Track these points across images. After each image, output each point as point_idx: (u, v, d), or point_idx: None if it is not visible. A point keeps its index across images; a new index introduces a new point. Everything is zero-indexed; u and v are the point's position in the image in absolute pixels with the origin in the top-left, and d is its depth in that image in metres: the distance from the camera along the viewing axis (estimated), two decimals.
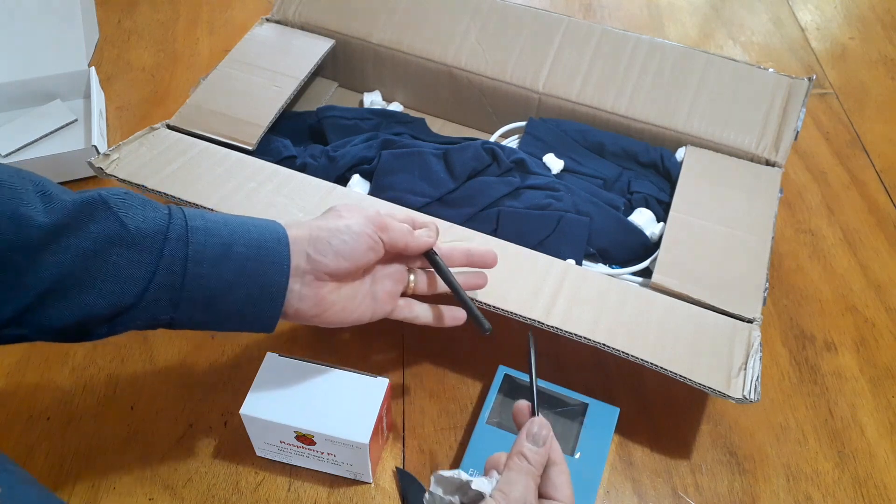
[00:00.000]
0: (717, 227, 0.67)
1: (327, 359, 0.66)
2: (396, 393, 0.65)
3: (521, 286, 0.60)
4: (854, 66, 1.01)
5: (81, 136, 0.85)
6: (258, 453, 0.60)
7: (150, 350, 0.67)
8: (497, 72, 0.81)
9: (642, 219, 0.71)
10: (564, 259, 0.64)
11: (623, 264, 0.70)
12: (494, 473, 0.44)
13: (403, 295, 0.58)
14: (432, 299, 0.59)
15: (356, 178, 0.73)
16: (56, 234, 0.42)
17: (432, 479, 0.45)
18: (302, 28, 0.85)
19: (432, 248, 0.56)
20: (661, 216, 0.72)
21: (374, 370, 0.65)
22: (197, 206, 0.64)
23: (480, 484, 0.43)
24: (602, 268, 0.70)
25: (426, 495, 0.45)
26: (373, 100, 0.87)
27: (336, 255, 0.50)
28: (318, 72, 0.89)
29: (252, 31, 0.84)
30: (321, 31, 0.85)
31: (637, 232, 0.70)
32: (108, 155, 0.67)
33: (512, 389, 0.61)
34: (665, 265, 0.64)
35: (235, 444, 0.61)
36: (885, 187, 0.84)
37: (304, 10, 0.85)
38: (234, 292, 0.47)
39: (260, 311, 0.48)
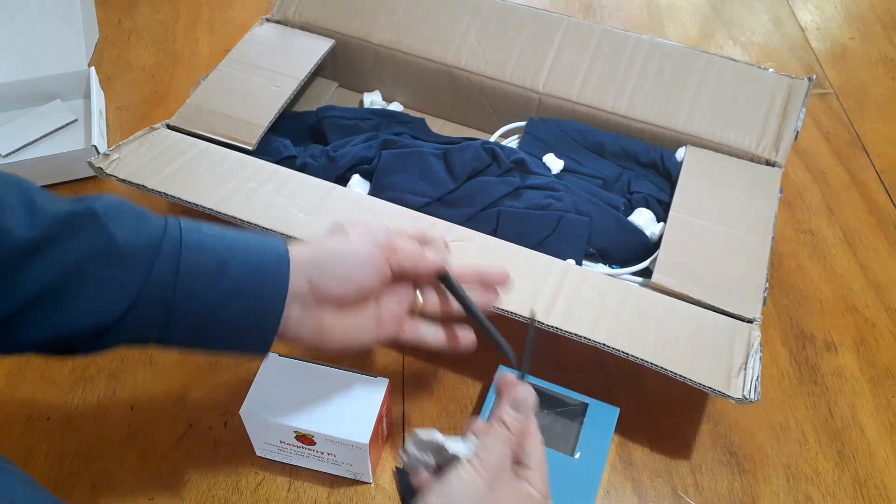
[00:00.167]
0: (717, 227, 0.67)
1: (327, 359, 0.66)
2: (396, 393, 0.65)
3: (521, 286, 0.60)
4: (854, 66, 1.01)
5: (81, 136, 0.85)
6: (258, 453, 0.60)
7: (150, 350, 0.67)
8: (497, 72, 0.81)
9: (642, 219, 0.71)
10: (564, 259, 0.64)
11: (623, 264, 0.70)
12: (472, 437, 0.44)
13: (410, 313, 0.54)
14: (441, 317, 0.56)
15: (356, 178, 0.73)
16: (36, 249, 0.39)
17: (409, 438, 0.44)
18: (302, 28, 0.85)
19: (445, 269, 0.52)
20: (661, 216, 0.72)
21: (374, 370, 0.65)
22: (197, 206, 0.64)
23: (457, 447, 0.43)
24: (602, 268, 0.70)
25: (401, 452, 0.44)
26: (373, 100, 0.87)
27: (339, 281, 0.47)
28: (318, 72, 0.89)
29: (252, 31, 0.84)
30: (321, 31, 0.85)
31: (637, 232, 0.70)
32: (108, 155, 0.67)
33: None
34: (665, 265, 0.64)
35: (235, 444, 0.61)
36: (885, 187, 0.84)
37: (304, 10, 0.85)
38: (226, 312, 0.44)
39: (253, 333, 0.46)
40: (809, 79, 0.76)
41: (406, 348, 0.68)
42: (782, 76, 0.76)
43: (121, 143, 0.69)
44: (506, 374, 0.48)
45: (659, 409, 0.64)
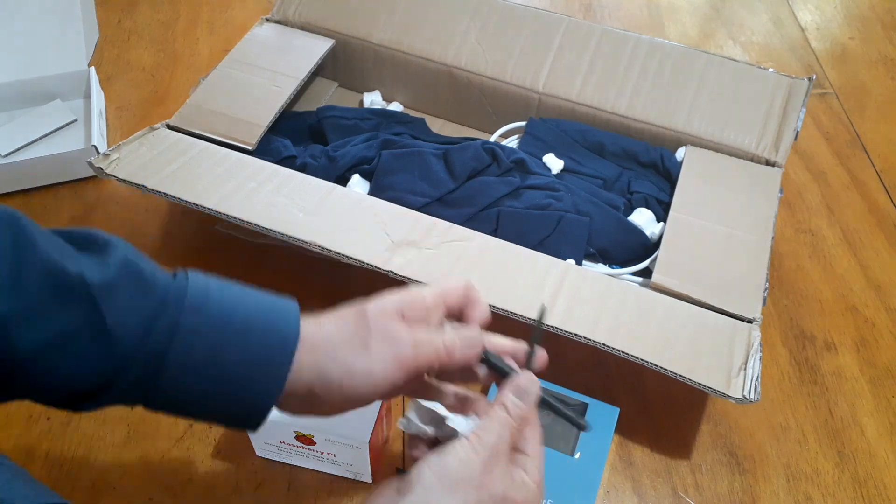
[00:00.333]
0: (717, 227, 0.67)
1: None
2: None
3: (521, 286, 0.60)
4: (854, 66, 1.01)
5: (81, 136, 0.85)
6: (258, 453, 0.60)
7: None
8: (497, 72, 0.81)
9: (642, 219, 0.71)
10: (564, 259, 0.64)
11: (623, 264, 0.70)
12: (474, 416, 0.44)
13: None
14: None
15: (356, 178, 0.73)
16: (13, 322, 0.36)
17: (410, 405, 0.43)
18: (302, 28, 0.85)
19: (484, 352, 0.46)
20: (661, 216, 0.72)
21: None
22: (197, 206, 0.64)
23: (457, 422, 0.42)
24: (602, 268, 0.70)
25: (401, 419, 0.44)
26: (373, 100, 0.87)
27: (344, 400, 0.43)
28: (318, 72, 0.89)
29: (252, 31, 0.84)
30: (321, 31, 0.85)
31: (637, 232, 0.70)
32: (107, 155, 0.67)
33: None
34: (665, 265, 0.64)
35: (235, 444, 0.61)
36: (885, 187, 0.84)
37: (304, 10, 0.85)
38: (212, 402, 0.41)
39: (238, 421, 0.43)
40: (809, 79, 0.76)
41: None
42: (782, 76, 0.76)
43: (121, 143, 0.69)
44: (510, 362, 0.47)
45: (659, 409, 0.64)
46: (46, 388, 0.39)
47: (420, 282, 0.60)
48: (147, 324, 0.39)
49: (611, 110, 0.78)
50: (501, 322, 0.59)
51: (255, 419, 0.41)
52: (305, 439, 0.55)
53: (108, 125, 0.88)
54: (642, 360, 0.56)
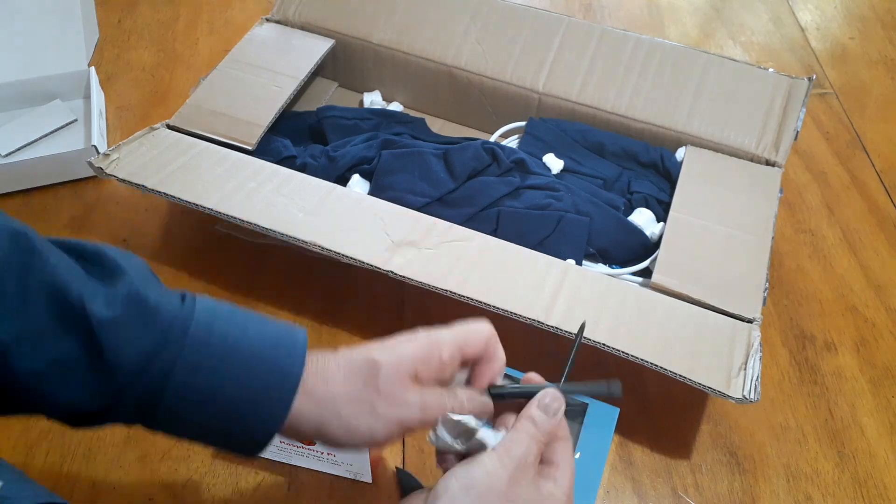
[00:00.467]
0: (717, 227, 0.67)
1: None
2: None
3: (521, 286, 0.60)
4: (854, 66, 1.01)
5: (81, 136, 0.85)
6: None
7: None
8: (497, 72, 0.81)
9: (642, 219, 0.71)
10: (564, 259, 0.64)
11: (623, 264, 0.70)
12: (503, 430, 0.44)
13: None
14: None
15: (356, 178, 0.73)
16: (13, 347, 0.36)
17: (440, 419, 0.43)
18: (302, 28, 0.85)
19: (494, 389, 0.46)
20: (661, 216, 0.72)
21: None
22: (197, 206, 0.64)
23: (486, 435, 0.43)
24: (602, 268, 0.70)
25: (430, 434, 0.44)
26: (373, 100, 0.87)
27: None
28: (318, 72, 0.89)
29: (252, 31, 0.84)
30: (321, 31, 0.85)
31: (637, 232, 0.70)
32: (108, 155, 0.67)
33: None
34: (665, 265, 0.64)
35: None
36: (885, 187, 0.84)
37: (304, 10, 0.85)
38: (208, 433, 0.42)
39: (234, 452, 0.43)
40: (809, 79, 0.76)
41: None
42: (782, 76, 0.76)
43: (121, 143, 0.69)
44: (531, 377, 0.47)
45: (659, 409, 0.64)
46: (45, 408, 0.39)
47: (420, 282, 0.60)
48: (147, 358, 0.38)
49: (611, 110, 0.78)
50: (501, 322, 0.60)
51: (251, 452, 0.42)
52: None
53: (108, 125, 0.88)
54: (642, 360, 0.56)
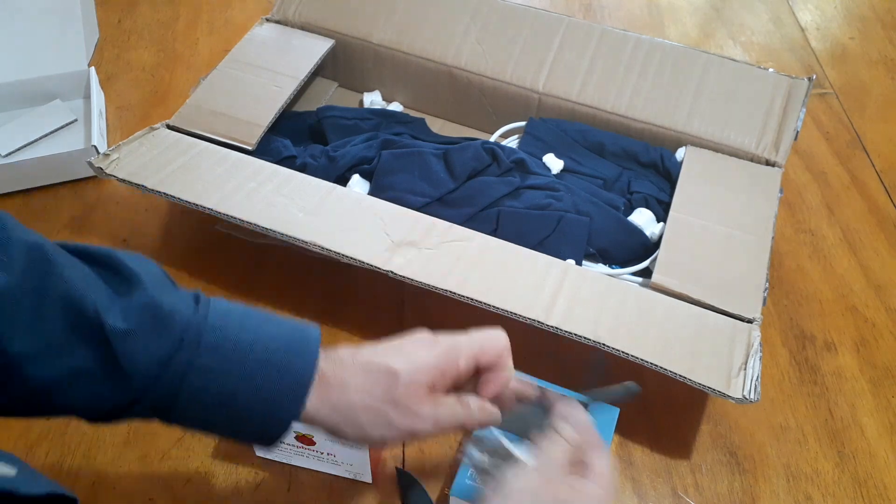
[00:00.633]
0: (717, 227, 0.67)
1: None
2: None
3: (521, 286, 0.60)
4: (854, 66, 1.01)
5: (81, 136, 0.85)
6: (258, 453, 0.60)
7: None
8: (497, 72, 0.81)
9: (642, 219, 0.71)
10: (564, 259, 0.64)
11: (623, 264, 0.70)
12: (531, 444, 0.44)
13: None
14: None
15: (356, 178, 0.73)
16: (19, 365, 0.37)
17: (472, 439, 0.45)
18: (302, 28, 0.85)
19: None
20: (661, 216, 0.72)
21: None
22: (197, 206, 0.64)
23: (520, 451, 0.43)
24: (602, 268, 0.70)
25: (464, 457, 0.45)
26: (373, 100, 0.87)
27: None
28: (318, 72, 0.89)
29: (252, 31, 0.84)
30: (321, 31, 0.85)
31: (637, 232, 0.70)
32: (108, 155, 0.67)
33: None
34: (665, 265, 0.64)
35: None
36: (885, 187, 0.84)
37: (304, 10, 0.85)
38: (223, 429, 0.43)
39: (250, 443, 0.45)
40: (809, 79, 0.76)
41: None
42: (782, 76, 0.76)
43: (121, 143, 0.69)
44: (549, 392, 0.48)
45: (659, 409, 0.64)
46: (61, 412, 0.40)
47: (420, 282, 0.60)
48: (162, 365, 0.39)
49: (611, 110, 0.78)
50: (501, 322, 0.60)
51: (266, 445, 0.43)
52: (305, 439, 0.55)
53: (108, 125, 0.88)
54: (642, 360, 0.56)
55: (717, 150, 0.74)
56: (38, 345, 0.37)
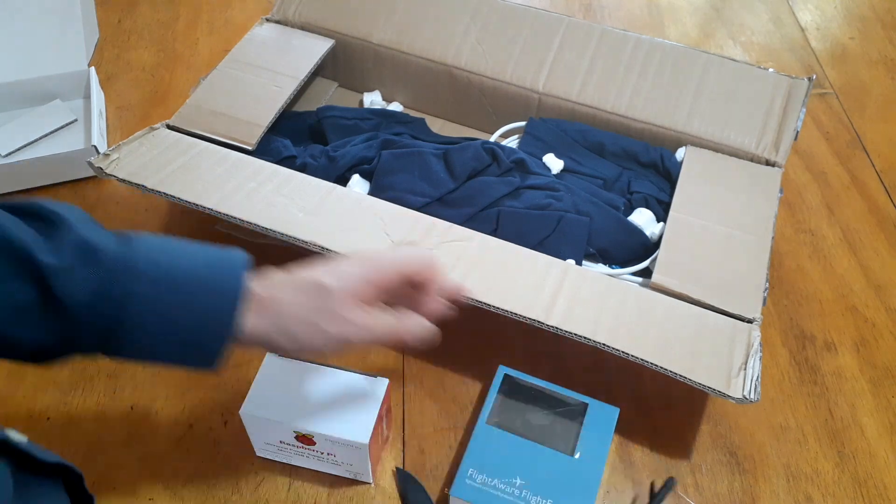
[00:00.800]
0: (717, 227, 0.67)
1: (327, 359, 0.66)
2: (396, 393, 0.65)
3: (521, 286, 0.60)
4: (854, 66, 1.01)
5: (81, 136, 0.85)
6: (258, 453, 0.60)
7: None
8: (497, 72, 0.81)
9: (642, 219, 0.71)
10: (564, 259, 0.64)
11: (623, 264, 0.70)
12: None
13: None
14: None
15: (356, 178, 0.73)
16: None
17: None
18: (302, 28, 0.85)
19: None
20: (661, 216, 0.72)
21: (374, 370, 0.65)
22: (197, 206, 0.64)
23: None
24: (602, 268, 0.70)
25: None
26: (373, 100, 0.87)
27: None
28: (318, 72, 0.89)
29: (252, 31, 0.84)
30: (321, 31, 0.85)
31: (637, 232, 0.70)
32: (108, 155, 0.67)
33: (512, 389, 0.61)
34: (665, 265, 0.64)
35: (235, 444, 0.61)
36: (885, 187, 0.84)
37: (304, 10, 0.85)
38: (164, 355, 0.44)
39: (193, 368, 0.45)
40: (809, 79, 0.76)
41: (406, 348, 0.68)
42: (782, 76, 0.76)
43: (121, 143, 0.69)
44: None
45: (659, 409, 0.64)
46: (6, 350, 0.41)
47: None
48: (98, 295, 0.41)
49: (611, 110, 0.78)
50: (501, 322, 0.60)
51: (209, 367, 0.45)
52: (305, 439, 0.55)
53: (108, 125, 0.88)
54: (642, 360, 0.56)
55: (717, 150, 0.74)
56: None
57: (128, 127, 0.88)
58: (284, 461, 0.59)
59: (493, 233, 0.67)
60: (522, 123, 0.81)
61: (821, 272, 0.76)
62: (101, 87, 0.91)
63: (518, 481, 0.55)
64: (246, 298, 0.44)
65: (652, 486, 0.59)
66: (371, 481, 0.59)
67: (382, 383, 0.56)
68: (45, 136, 0.84)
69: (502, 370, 0.62)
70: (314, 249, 0.62)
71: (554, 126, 0.79)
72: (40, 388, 0.64)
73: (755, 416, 0.64)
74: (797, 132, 0.73)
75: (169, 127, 0.73)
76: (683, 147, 0.75)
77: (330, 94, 0.90)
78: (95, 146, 0.79)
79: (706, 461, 0.61)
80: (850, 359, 0.69)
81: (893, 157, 0.88)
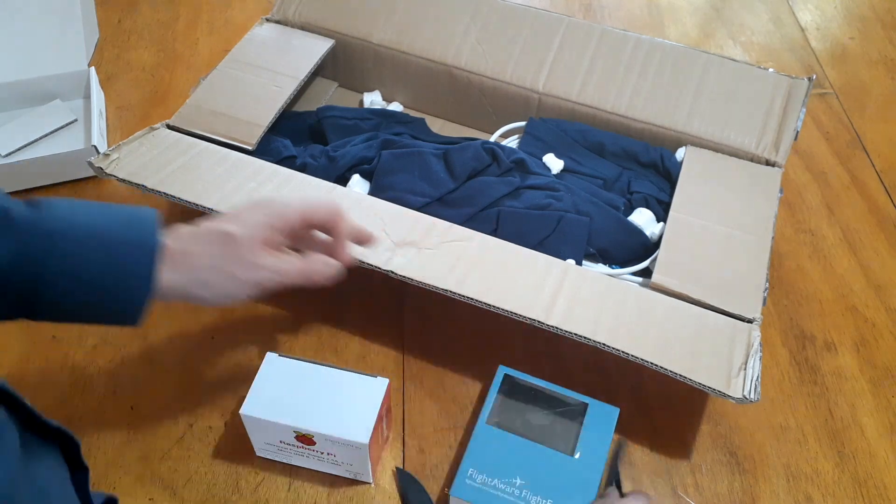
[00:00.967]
0: (717, 227, 0.67)
1: (327, 359, 0.66)
2: (396, 393, 0.65)
3: (521, 286, 0.60)
4: (854, 66, 1.01)
5: (81, 136, 0.85)
6: (258, 453, 0.60)
7: (150, 350, 0.67)
8: (497, 72, 0.81)
9: (642, 219, 0.71)
10: (564, 259, 0.64)
11: (623, 264, 0.70)
12: None
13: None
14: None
15: (356, 178, 0.73)
16: None
17: None
18: (302, 28, 0.85)
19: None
20: (661, 216, 0.72)
21: (374, 370, 0.65)
22: (197, 206, 0.64)
23: None
24: (602, 268, 0.70)
25: None
26: (373, 100, 0.87)
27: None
28: (318, 72, 0.89)
29: (252, 31, 0.84)
30: (321, 31, 0.85)
31: (637, 232, 0.70)
32: (108, 155, 0.67)
33: (512, 389, 0.61)
34: (665, 265, 0.64)
35: (235, 444, 0.61)
36: (885, 187, 0.84)
37: (304, 10, 0.85)
38: (86, 313, 0.45)
39: (115, 323, 0.47)
40: (809, 79, 0.76)
41: (406, 348, 0.68)
42: (782, 76, 0.76)
43: (121, 143, 0.69)
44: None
45: (659, 409, 0.64)
46: None
47: (420, 282, 0.60)
48: (14, 255, 0.42)
49: (611, 110, 0.78)
50: (501, 321, 0.60)
51: (131, 322, 0.46)
52: (305, 439, 0.55)
53: (108, 125, 0.88)
54: (642, 360, 0.56)
55: (717, 150, 0.74)
56: None
57: (128, 127, 0.88)
58: (284, 461, 0.59)
59: (493, 233, 0.67)
60: (522, 123, 0.81)
61: (821, 272, 0.76)
62: (101, 87, 0.91)
63: (518, 481, 0.55)
64: (161, 253, 0.45)
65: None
66: (371, 481, 0.59)
67: (382, 383, 0.56)
68: (45, 136, 0.84)
69: (502, 370, 0.62)
70: None
71: (554, 126, 0.79)
72: (40, 388, 0.64)
73: (755, 416, 0.64)
74: (797, 132, 0.73)
75: (169, 127, 0.73)
76: (683, 147, 0.75)
77: (330, 94, 0.90)
78: (95, 146, 0.79)
79: (706, 461, 0.61)
80: (850, 359, 0.69)
81: (893, 157, 0.88)
